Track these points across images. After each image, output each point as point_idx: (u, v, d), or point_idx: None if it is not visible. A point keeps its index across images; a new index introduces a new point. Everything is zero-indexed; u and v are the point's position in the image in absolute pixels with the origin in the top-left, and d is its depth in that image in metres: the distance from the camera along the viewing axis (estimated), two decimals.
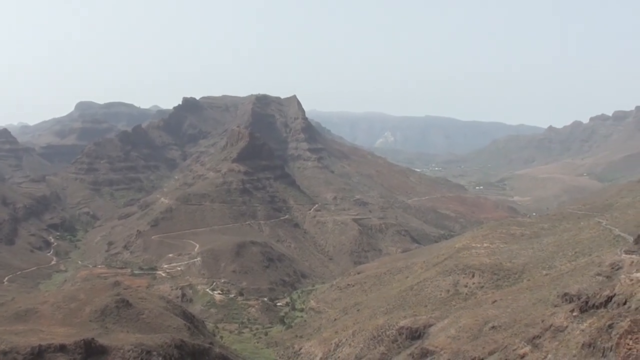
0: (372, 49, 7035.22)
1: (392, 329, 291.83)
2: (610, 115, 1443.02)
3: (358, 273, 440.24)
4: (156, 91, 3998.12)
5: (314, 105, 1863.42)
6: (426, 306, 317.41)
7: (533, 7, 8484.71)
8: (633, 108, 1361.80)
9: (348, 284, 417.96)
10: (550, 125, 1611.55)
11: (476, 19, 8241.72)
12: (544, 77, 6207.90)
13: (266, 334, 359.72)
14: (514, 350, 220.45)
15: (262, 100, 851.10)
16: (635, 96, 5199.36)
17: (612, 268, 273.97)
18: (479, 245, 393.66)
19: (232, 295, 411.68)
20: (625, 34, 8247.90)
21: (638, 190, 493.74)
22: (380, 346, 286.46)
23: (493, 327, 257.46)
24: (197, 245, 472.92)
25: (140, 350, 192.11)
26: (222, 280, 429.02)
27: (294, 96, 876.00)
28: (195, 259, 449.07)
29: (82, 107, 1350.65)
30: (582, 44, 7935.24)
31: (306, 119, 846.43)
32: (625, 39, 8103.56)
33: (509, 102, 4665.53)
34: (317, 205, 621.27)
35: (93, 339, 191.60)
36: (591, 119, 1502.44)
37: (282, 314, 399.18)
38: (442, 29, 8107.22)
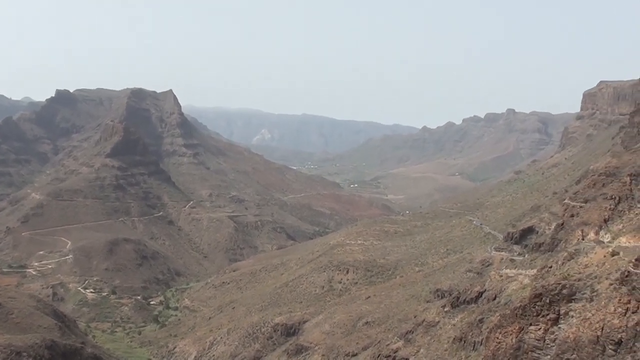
0: (249, 46, 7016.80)
1: (267, 326, 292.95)
2: (483, 117, 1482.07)
3: (233, 270, 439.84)
4: (28, 82, 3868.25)
5: (190, 100, 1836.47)
6: (301, 302, 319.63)
7: (408, 8, 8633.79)
8: (504, 110, 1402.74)
9: (223, 282, 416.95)
10: (424, 126, 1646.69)
11: (351, 18, 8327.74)
12: (418, 78, 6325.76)
13: (140, 333, 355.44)
14: (387, 345, 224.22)
15: (137, 95, 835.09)
16: (506, 99, 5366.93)
17: (483, 265, 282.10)
18: (353, 242, 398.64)
19: (105, 293, 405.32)
20: (498, 40, 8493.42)
21: (507, 190, 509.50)
22: (255, 343, 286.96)
23: (367, 322, 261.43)
24: (69, 243, 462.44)
25: (9, 352, 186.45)
26: (95, 279, 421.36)
27: (170, 91, 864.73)
28: (67, 257, 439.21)
29: None
30: (457, 47, 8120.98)
31: (182, 114, 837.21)
32: (498, 44, 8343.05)
33: (384, 102, 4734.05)
34: (192, 202, 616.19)
35: None
36: (464, 120, 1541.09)
37: (155, 312, 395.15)
38: (318, 28, 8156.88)
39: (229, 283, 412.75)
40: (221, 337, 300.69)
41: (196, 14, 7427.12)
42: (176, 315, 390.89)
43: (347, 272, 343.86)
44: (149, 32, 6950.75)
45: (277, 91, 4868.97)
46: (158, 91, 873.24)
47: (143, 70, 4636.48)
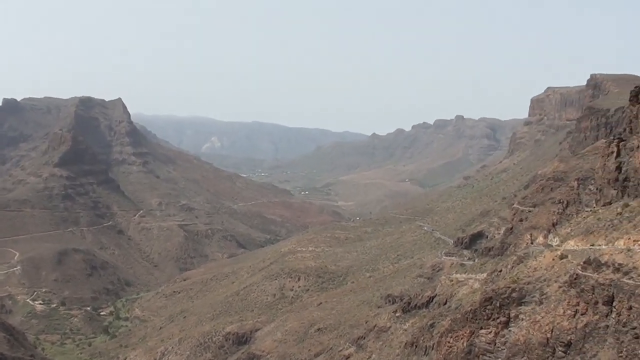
0: (199, 52, 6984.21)
1: (219, 335, 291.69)
2: (432, 123, 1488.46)
3: (184, 280, 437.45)
4: None
5: (140, 108, 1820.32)
6: (252, 311, 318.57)
7: (355, 14, 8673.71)
8: (453, 117, 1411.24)
9: (174, 291, 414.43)
10: (374, 132, 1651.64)
11: (299, 25, 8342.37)
12: (367, 85, 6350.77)
13: (90, 345, 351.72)
14: (339, 351, 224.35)
15: (86, 103, 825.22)
16: (455, 106, 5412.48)
17: (433, 270, 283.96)
18: (304, 249, 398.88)
19: (54, 305, 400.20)
20: (447, 47, 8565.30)
21: (457, 195, 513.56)
22: (207, 353, 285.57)
23: (319, 329, 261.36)
24: (17, 254, 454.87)
25: None
26: (44, 290, 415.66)
27: (119, 99, 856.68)
28: (15, 268, 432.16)
29: None
30: (405, 54, 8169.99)
31: (131, 122, 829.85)
32: (447, 50, 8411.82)
33: (334, 109, 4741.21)
34: (142, 211, 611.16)
35: None
36: (413, 126, 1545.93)
37: (106, 323, 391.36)
38: (268, 34, 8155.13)
39: (179, 292, 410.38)
40: (172, 347, 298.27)
41: (143, 21, 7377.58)
42: (127, 326, 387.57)
43: (299, 279, 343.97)
44: (97, 40, 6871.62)
45: (227, 98, 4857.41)
46: (107, 99, 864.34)
47: (91, 79, 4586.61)
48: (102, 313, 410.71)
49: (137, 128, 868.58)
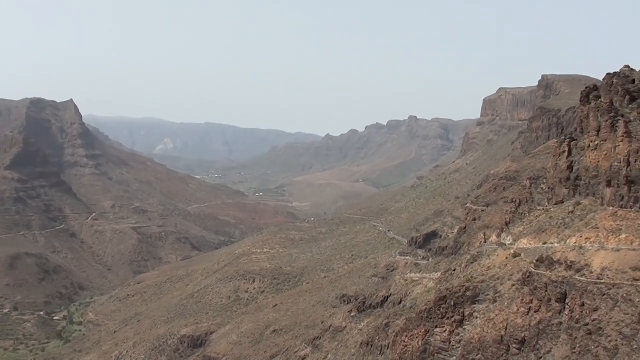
0: (151, 54, 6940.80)
1: (174, 338, 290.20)
2: (385, 124, 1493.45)
3: (138, 283, 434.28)
4: None
5: (92, 110, 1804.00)
6: (207, 313, 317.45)
7: (307, 16, 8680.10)
8: (406, 118, 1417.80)
9: (128, 295, 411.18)
10: (328, 133, 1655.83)
11: (252, 25, 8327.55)
12: (321, 86, 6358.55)
13: (43, 350, 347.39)
14: (295, 352, 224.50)
15: (37, 105, 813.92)
16: (408, 106, 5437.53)
17: (388, 269, 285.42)
18: (259, 251, 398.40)
19: (6, 310, 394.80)
20: (400, 46, 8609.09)
21: (411, 196, 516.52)
22: (162, 356, 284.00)
23: (274, 330, 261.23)
24: None
25: None
26: None
27: (71, 100, 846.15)
28: None
29: None
30: (359, 55, 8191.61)
31: (83, 124, 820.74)
32: (400, 50, 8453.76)
33: (288, 110, 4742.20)
34: (95, 214, 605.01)
35: None
36: (367, 127, 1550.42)
37: (59, 328, 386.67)
38: (219, 35, 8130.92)
39: (133, 296, 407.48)
40: (127, 351, 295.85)
41: (96, 22, 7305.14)
42: (80, 331, 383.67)
43: (254, 281, 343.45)
44: (47, 40, 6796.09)
45: (180, 100, 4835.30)
46: (58, 101, 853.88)
47: (42, 80, 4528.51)
48: (55, 318, 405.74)
49: (89, 130, 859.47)
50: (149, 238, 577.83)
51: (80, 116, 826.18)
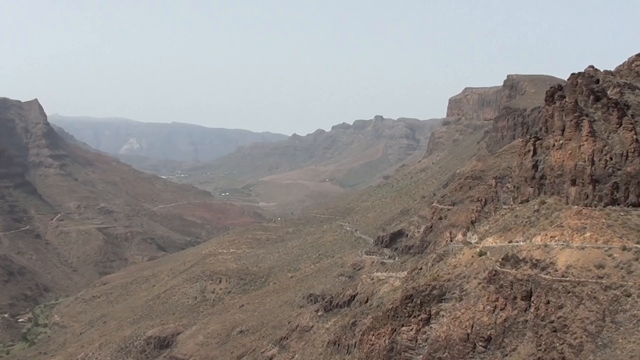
0: (116, 53, 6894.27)
1: (140, 339, 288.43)
2: (351, 124, 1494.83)
3: (104, 284, 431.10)
4: None
5: (56, 110, 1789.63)
6: (174, 314, 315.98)
7: (271, 15, 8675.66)
8: (372, 117, 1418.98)
9: (93, 296, 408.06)
10: (295, 133, 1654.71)
11: (217, 26, 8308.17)
12: (288, 86, 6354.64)
13: (8, 353, 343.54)
14: (262, 352, 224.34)
15: (1, 104, 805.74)
16: (374, 106, 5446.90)
17: (354, 268, 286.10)
18: (225, 251, 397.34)
19: None
20: (366, 46, 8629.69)
21: (377, 195, 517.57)
22: (128, 357, 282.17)
23: (241, 331, 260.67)
24: None
25: None
26: None
27: (36, 100, 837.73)
28: None
29: None
30: (326, 55, 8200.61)
31: (48, 124, 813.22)
32: (366, 50, 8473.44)
33: (254, 110, 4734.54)
34: (60, 214, 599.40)
35: None
36: (333, 127, 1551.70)
37: (24, 330, 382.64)
38: (185, 34, 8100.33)
39: (99, 297, 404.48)
40: (93, 353, 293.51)
41: (60, 21, 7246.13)
42: (46, 332, 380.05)
43: (220, 281, 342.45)
44: (11, 39, 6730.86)
45: (146, 99, 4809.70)
46: (22, 100, 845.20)
47: (5, 79, 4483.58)
48: (20, 320, 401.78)
49: (54, 130, 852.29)
50: (115, 239, 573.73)
51: (45, 116, 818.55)
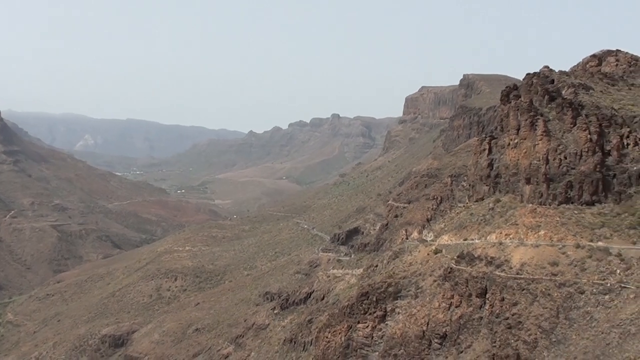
0: (71, 48, 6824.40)
1: (95, 338, 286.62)
2: (308, 122, 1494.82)
3: (58, 282, 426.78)
4: None
5: (10, 106, 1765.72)
6: (129, 312, 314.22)
7: (228, 13, 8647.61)
8: (329, 115, 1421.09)
9: (48, 294, 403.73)
10: (251, 130, 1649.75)
11: (172, 22, 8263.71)
12: (244, 83, 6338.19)
13: None
14: (218, 350, 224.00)
15: None
16: (331, 104, 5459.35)
17: (311, 266, 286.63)
18: (181, 249, 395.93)
19: None
20: (323, 44, 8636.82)
21: (333, 193, 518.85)
22: (83, 356, 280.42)
23: (197, 329, 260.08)
24: None
25: None
26: None
27: None
28: None
29: None
30: (282, 53, 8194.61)
31: (1, 119, 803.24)
32: (323, 48, 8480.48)
33: (211, 106, 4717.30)
34: (13, 211, 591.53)
35: None
36: (290, 124, 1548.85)
37: None
38: (141, 30, 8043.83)
39: (53, 295, 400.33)
40: (47, 352, 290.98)
41: (14, 16, 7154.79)
42: None
43: (176, 279, 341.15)
44: None
45: (100, 95, 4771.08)
46: None
47: None
48: None
49: (7, 125, 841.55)
50: (69, 236, 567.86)
51: None
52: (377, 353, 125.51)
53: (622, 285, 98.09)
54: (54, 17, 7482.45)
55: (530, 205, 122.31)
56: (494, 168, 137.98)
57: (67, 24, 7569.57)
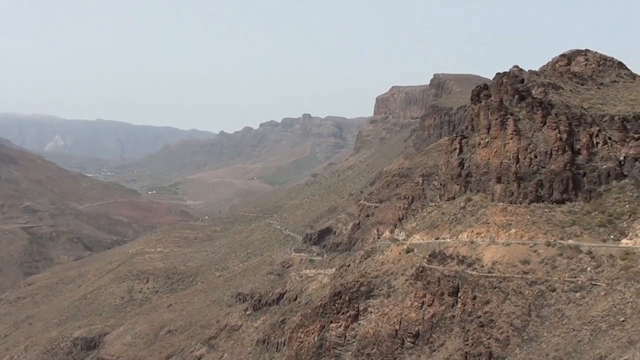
0: (39, 49, 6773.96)
1: (67, 341, 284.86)
2: (279, 122, 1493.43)
3: (29, 285, 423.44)
4: None
5: None
6: (101, 314, 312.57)
7: (198, 13, 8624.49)
8: (300, 116, 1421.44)
9: (18, 297, 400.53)
10: (222, 130, 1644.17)
11: (143, 23, 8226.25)
12: (215, 83, 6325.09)
13: None
14: (190, 352, 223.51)
15: None
16: (302, 104, 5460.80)
17: (283, 266, 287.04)
18: (152, 250, 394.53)
19: None
20: (293, 44, 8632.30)
21: (305, 193, 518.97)
22: (54, 359, 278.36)
23: (169, 331, 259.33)
24: None
25: None
26: None
27: None
28: None
29: None
30: (253, 53, 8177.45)
31: None
32: (293, 48, 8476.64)
33: (182, 107, 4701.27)
34: None
35: None
36: (261, 125, 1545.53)
37: None
38: (111, 32, 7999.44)
39: (24, 298, 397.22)
40: (18, 356, 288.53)
41: None
42: None
43: (148, 280, 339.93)
44: None
45: (70, 96, 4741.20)
46: None
47: None
48: None
49: None
50: (40, 238, 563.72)
51: None
52: (350, 352, 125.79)
53: (593, 282, 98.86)
54: (20, 16, 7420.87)
55: (501, 204, 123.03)
56: (465, 167, 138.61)
57: (33, 23, 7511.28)
